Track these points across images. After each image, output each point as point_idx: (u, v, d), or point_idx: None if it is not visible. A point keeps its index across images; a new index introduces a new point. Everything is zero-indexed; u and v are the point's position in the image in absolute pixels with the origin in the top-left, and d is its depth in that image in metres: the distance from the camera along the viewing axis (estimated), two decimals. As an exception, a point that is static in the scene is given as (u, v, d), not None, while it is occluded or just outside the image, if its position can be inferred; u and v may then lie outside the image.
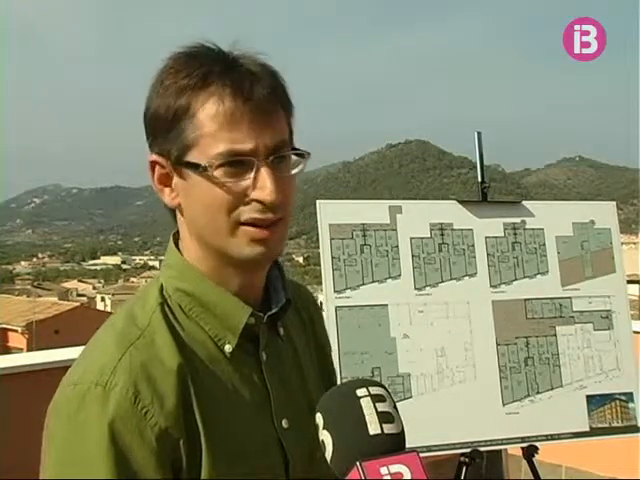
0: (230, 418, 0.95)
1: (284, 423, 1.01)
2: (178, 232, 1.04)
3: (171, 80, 0.94)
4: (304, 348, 1.13)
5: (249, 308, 0.99)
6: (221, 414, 0.94)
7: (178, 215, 1.01)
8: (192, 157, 0.93)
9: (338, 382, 1.25)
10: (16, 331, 23.12)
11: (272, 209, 0.94)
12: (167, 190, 0.98)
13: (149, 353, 0.92)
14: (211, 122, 0.91)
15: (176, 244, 1.03)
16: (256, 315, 1.00)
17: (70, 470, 0.87)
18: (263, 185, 0.92)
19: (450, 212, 2.53)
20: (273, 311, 1.03)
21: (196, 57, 0.95)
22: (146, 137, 0.99)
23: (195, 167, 0.93)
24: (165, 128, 0.94)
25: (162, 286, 1.00)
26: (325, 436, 0.86)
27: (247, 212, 0.94)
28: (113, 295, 49.57)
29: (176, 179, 0.96)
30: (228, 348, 0.98)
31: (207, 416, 0.92)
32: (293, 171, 0.97)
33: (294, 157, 0.98)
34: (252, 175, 0.93)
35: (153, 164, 0.97)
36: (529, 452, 2.44)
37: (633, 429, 2.56)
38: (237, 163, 0.92)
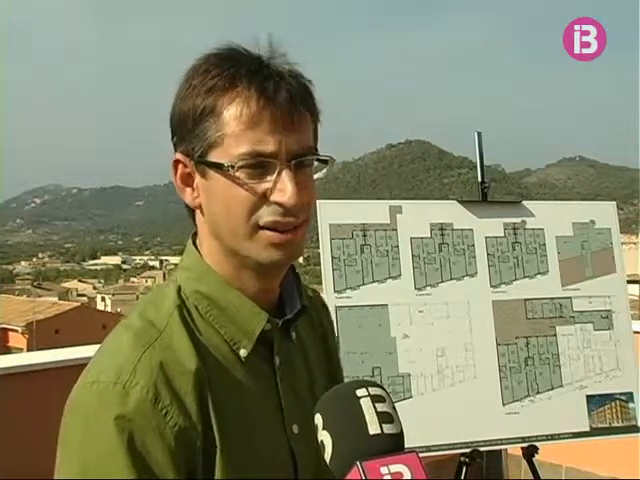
0: (243, 422, 0.95)
1: (294, 428, 1.00)
2: (197, 233, 1.04)
3: (199, 80, 0.95)
4: (314, 353, 1.13)
5: (266, 314, 0.99)
6: (235, 418, 0.94)
7: (198, 216, 1.01)
8: (215, 156, 0.94)
9: None
10: (16, 331, 23.11)
11: (292, 213, 0.94)
12: (189, 190, 0.99)
13: (167, 355, 0.91)
14: (235, 123, 0.92)
15: (195, 245, 1.03)
16: (272, 321, 1.00)
17: (90, 470, 0.86)
18: (283, 188, 0.92)
19: (450, 212, 2.53)
20: (288, 317, 1.03)
21: (225, 58, 0.96)
22: (171, 137, 1.00)
23: (218, 166, 0.93)
24: (190, 127, 0.95)
25: (180, 288, 1.00)
26: (324, 436, 0.86)
27: (267, 215, 0.93)
28: (113, 295, 49.57)
29: (198, 179, 0.97)
30: (243, 353, 0.97)
31: (222, 420, 0.92)
32: (315, 175, 0.98)
33: (316, 162, 0.98)
34: (273, 177, 0.93)
35: (176, 163, 0.98)
36: (529, 452, 2.44)
37: (633, 429, 2.56)
38: (259, 165, 0.92)
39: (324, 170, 1.00)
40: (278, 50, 0.97)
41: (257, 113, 0.92)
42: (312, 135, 0.98)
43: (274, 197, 0.93)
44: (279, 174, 0.93)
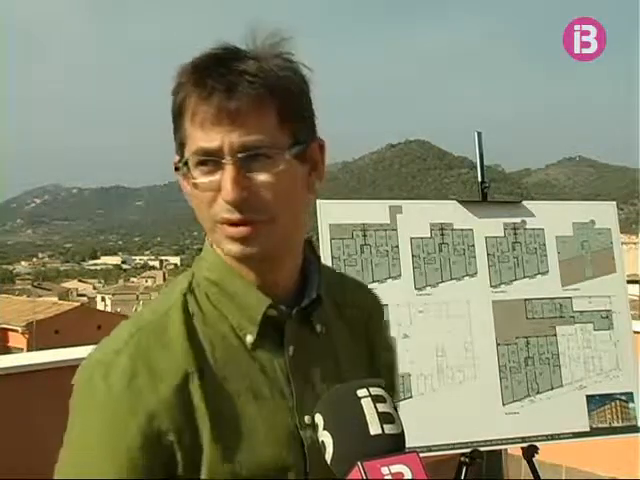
0: (243, 410, 0.95)
1: (307, 420, 0.98)
2: None
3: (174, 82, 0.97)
4: (349, 349, 1.10)
5: (267, 300, 0.99)
6: (232, 406, 0.94)
7: None
8: (184, 157, 0.96)
9: None
10: (16, 331, 23.11)
11: (238, 209, 0.93)
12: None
13: (157, 338, 0.94)
14: (188, 122, 0.94)
15: None
16: (278, 308, 1.00)
17: (76, 455, 0.92)
18: (224, 184, 0.93)
19: (450, 212, 2.53)
20: (301, 305, 1.02)
21: (196, 59, 0.96)
22: None
23: (177, 167, 0.97)
24: (173, 129, 0.98)
25: (193, 275, 1.03)
26: (325, 436, 0.86)
27: (220, 211, 0.94)
28: (113, 295, 49.59)
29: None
30: (250, 339, 0.98)
31: (214, 409, 0.92)
32: (273, 170, 0.93)
33: (287, 155, 0.94)
34: (220, 174, 0.94)
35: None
36: (529, 452, 2.44)
37: (633, 429, 2.56)
38: (210, 162, 0.94)
39: (282, 166, 0.94)
40: (265, 45, 0.96)
41: (200, 111, 0.92)
42: (271, 128, 0.93)
43: (221, 194, 0.94)
44: (224, 170, 0.93)
